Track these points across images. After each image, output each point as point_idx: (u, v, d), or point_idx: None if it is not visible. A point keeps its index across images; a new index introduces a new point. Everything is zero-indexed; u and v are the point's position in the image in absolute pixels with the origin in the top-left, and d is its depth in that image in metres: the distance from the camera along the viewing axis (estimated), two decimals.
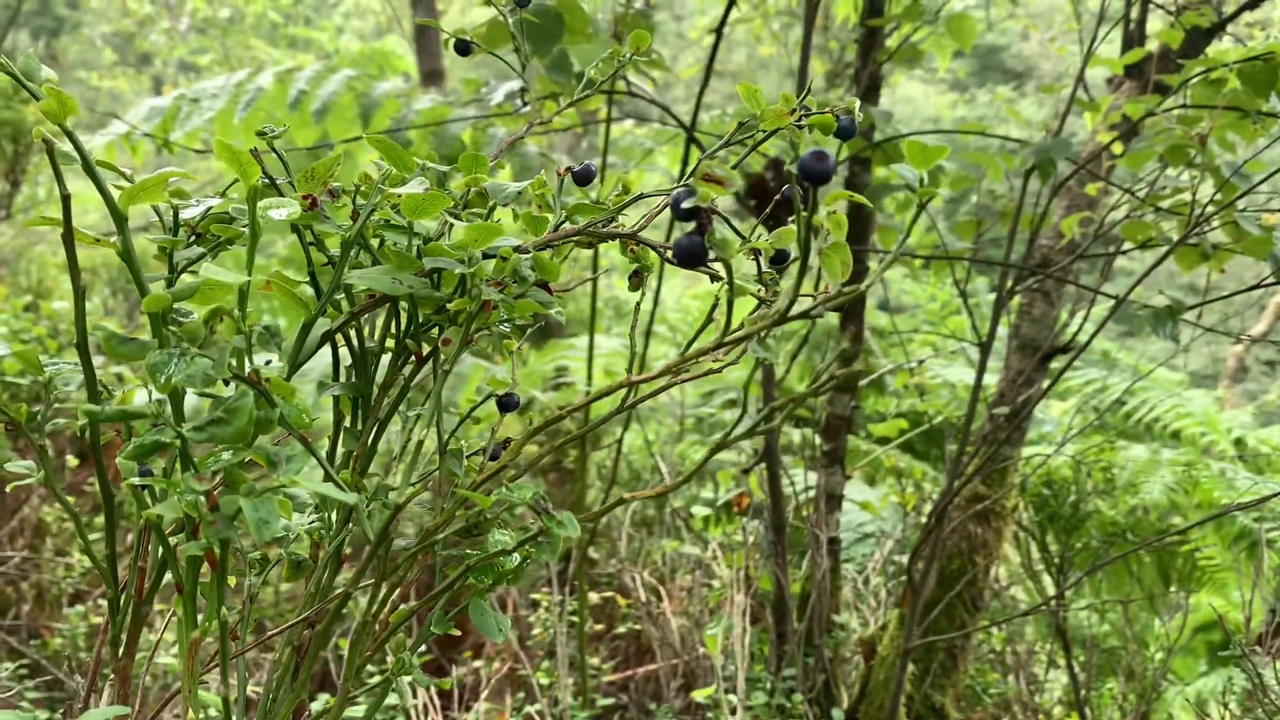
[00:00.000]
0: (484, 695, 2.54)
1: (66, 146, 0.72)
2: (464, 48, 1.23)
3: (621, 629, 3.64)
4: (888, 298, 4.39)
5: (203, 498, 0.66)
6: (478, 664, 3.66)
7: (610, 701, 3.19)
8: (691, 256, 0.63)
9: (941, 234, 2.75)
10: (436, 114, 2.61)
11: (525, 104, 2.52)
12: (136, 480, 0.67)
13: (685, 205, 0.64)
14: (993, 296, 2.65)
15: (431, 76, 5.87)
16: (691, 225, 0.71)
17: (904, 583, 2.83)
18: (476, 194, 1.10)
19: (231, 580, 0.84)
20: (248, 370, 0.69)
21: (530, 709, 2.86)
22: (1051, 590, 3.31)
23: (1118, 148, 2.73)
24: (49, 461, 0.70)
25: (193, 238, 0.92)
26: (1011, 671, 3.43)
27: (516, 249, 0.85)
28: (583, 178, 0.94)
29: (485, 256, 0.83)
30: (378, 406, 0.91)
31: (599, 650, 3.90)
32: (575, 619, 3.45)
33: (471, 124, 2.60)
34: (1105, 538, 3.31)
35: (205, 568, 0.77)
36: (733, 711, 2.62)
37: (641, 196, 0.95)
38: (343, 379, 0.93)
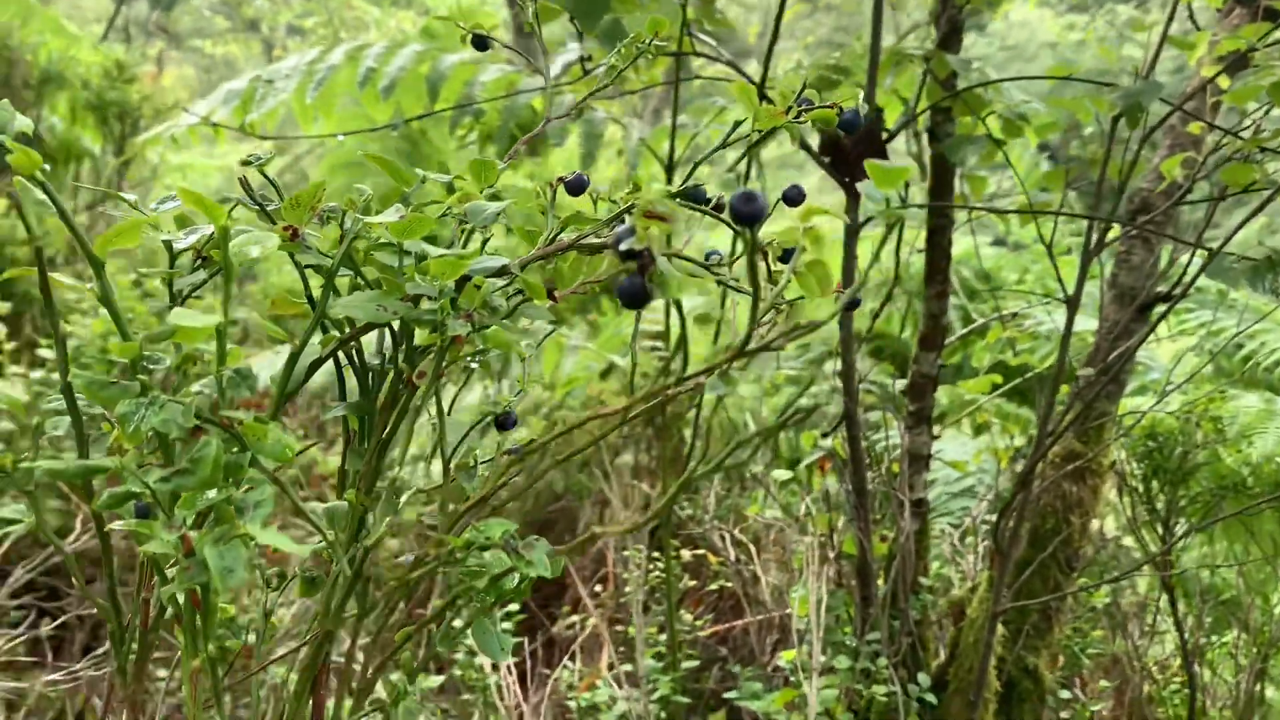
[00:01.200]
0: (567, 659, 2.59)
1: (39, 195, 0.73)
2: (481, 44, 1.21)
3: (713, 585, 3.66)
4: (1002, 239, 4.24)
5: (178, 542, 0.68)
6: (574, 619, 3.73)
7: (696, 665, 3.21)
8: (633, 298, 0.61)
9: (1023, 183, 2.64)
10: (504, 84, 2.60)
11: (587, 72, 2.50)
12: (116, 526, 0.69)
13: (624, 247, 0.62)
14: (1093, 240, 2.54)
15: (522, 30, 5.88)
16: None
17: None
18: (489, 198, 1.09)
19: (246, 600, 0.86)
20: (221, 413, 0.70)
21: (622, 669, 2.90)
22: (1156, 546, 3.20)
23: (1224, 82, 2.57)
24: (40, 505, 0.73)
25: (199, 262, 0.94)
26: (1115, 630, 3.34)
27: (501, 270, 0.84)
28: (575, 188, 0.92)
29: (463, 281, 0.82)
30: (381, 425, 0.91)
31: (695, 606, 3.93)
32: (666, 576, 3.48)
33: (539, 93, 2.59)
34: (1219, 488, 3.17)
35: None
36: (821, 672, 2.61)
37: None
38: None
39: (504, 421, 0.92)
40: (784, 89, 0.89)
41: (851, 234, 2.58)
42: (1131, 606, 3.49)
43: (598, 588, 4.05)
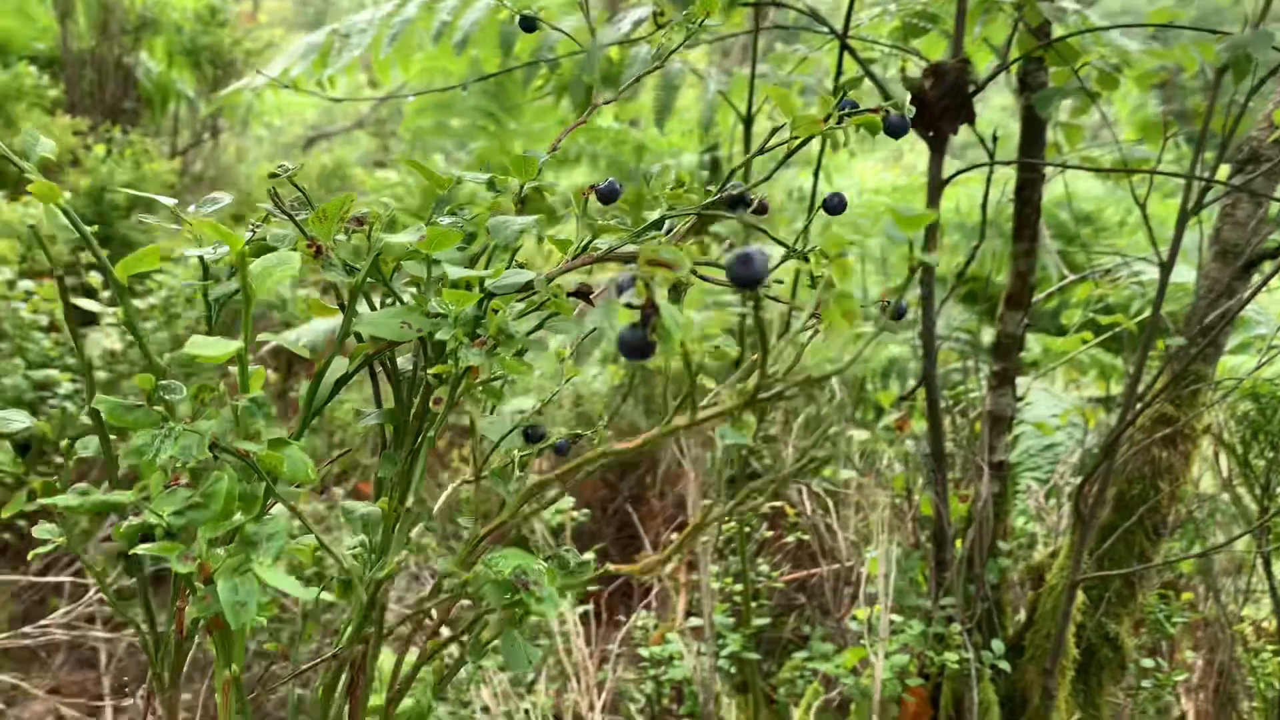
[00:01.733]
0: (642, 608, 2.61)
1: (63, 220, 0.73)
2: (529, 25, 1.19)
3: (790, 538, 3.65)
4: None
5: (196, 570, 0.69)
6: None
7: (774, 613, 3.22)
8: (634, 351, 0.59)
9: (1118, 139, 2.51)
10: (578, 37, 2.55)
11: (660, 26, 2.44)
12: (141, 550, 0.70)
13: (625, 299, 0.59)
14: (1190, 200, 2.41)
15: None
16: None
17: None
18: (532, 191, 1.07)
19: (271, 611, 0.87)
20: (236, 444, 0.70)
21: (688, 624, 2.92)
22: (1253, 506, 3.07)
23: None
24: (70, 524, 0.74)
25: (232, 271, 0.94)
26: (1207, 593, 3.24)
27: (525, 286, 0.82)
28: (607, 196, 0.90)
29: (487, 299, 0.81)
30: (414, 432, 0.91)
31: (774, 555, 3.93)
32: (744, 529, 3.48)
33: (615, 44, 2.54)
34: None
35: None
36: (892, 632, 2.60)
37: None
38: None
39: (532, 434, 0.91)
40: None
41: (934, 190, 2.50)
42: (1226, 567, 3.37)
43: (673, 536, 4.07)
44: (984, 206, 2.68)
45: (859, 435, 2.78)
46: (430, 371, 0.75)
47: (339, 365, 0.84)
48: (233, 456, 0.70)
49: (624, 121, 6.20)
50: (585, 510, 3.57)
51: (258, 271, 0.76)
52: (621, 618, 3.59)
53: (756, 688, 3.27)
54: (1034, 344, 5.22)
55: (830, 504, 3.49)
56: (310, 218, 0.84)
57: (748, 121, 2.75)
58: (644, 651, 2.94)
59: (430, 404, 0.80)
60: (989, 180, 2.66)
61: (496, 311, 0.75)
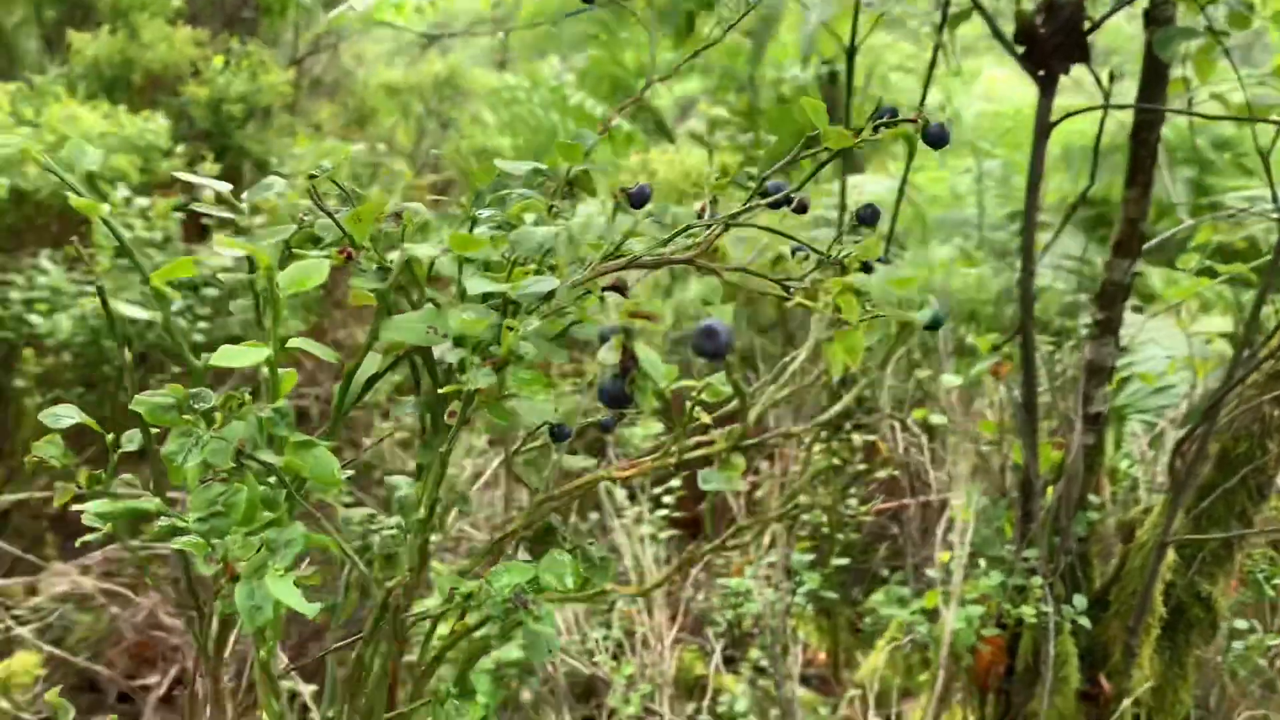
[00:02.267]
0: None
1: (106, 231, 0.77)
2: None
3: (881, 474, 3.63)
4: None
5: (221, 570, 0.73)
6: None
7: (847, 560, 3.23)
8: (614, 400, 0.60)
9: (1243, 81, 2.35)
10: None
11: None
12: (173, 545, 0.74)
13: (604, 354, 0.60)
14: None
15: None
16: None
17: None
18: (579, 174, 1.07)
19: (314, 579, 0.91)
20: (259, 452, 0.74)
21: (767, 559, 2.94)
22: None
23: None
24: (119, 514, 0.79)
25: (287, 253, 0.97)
26: None
27: (547, 295, 0.83)
28: (638, 200, 0.89)
29: (509, 304, 0.81)
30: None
31: (866, 487, 3.92)
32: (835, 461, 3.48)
33: None
34: None
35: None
36: (970, 580, 2.58)
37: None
38: None
39: (558, 433, 0.92)
40: None
41: (1041, 134, 2.39)
42: None
43: (763, 464, 4.08)
44: (1096, 150, 2.56)
45: (951, 380, 2.72)
46: (440, 391, 0.76)
47: (370, 363, 0.86)
48: (256, 464, 0.74)
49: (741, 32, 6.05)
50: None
51: (287, 280, 0.78)
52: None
53: (839, 615, 3.31)
54: (1153, 276, 5.00)
55: (924, 442, 3.46)
56: (347, 217, 0.86)
57: (850, 53, 2.66)
58: (723, 582, 2.98)
59: (447, 418, 0.81)
60: (1102, 123, 2.53)
61: (512, 329, 0.76)
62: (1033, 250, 2.47)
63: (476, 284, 0.79)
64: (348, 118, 5.65)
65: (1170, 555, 2.60)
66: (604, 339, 0.61)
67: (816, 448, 3.88)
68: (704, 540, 1.03)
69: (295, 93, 4.91)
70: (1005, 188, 5.09)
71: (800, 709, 2.32)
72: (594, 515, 3.55)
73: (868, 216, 0.87)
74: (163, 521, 0.72)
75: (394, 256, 0.82)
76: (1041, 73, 2.40)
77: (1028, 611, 2.40)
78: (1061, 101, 2.46)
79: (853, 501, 3.78)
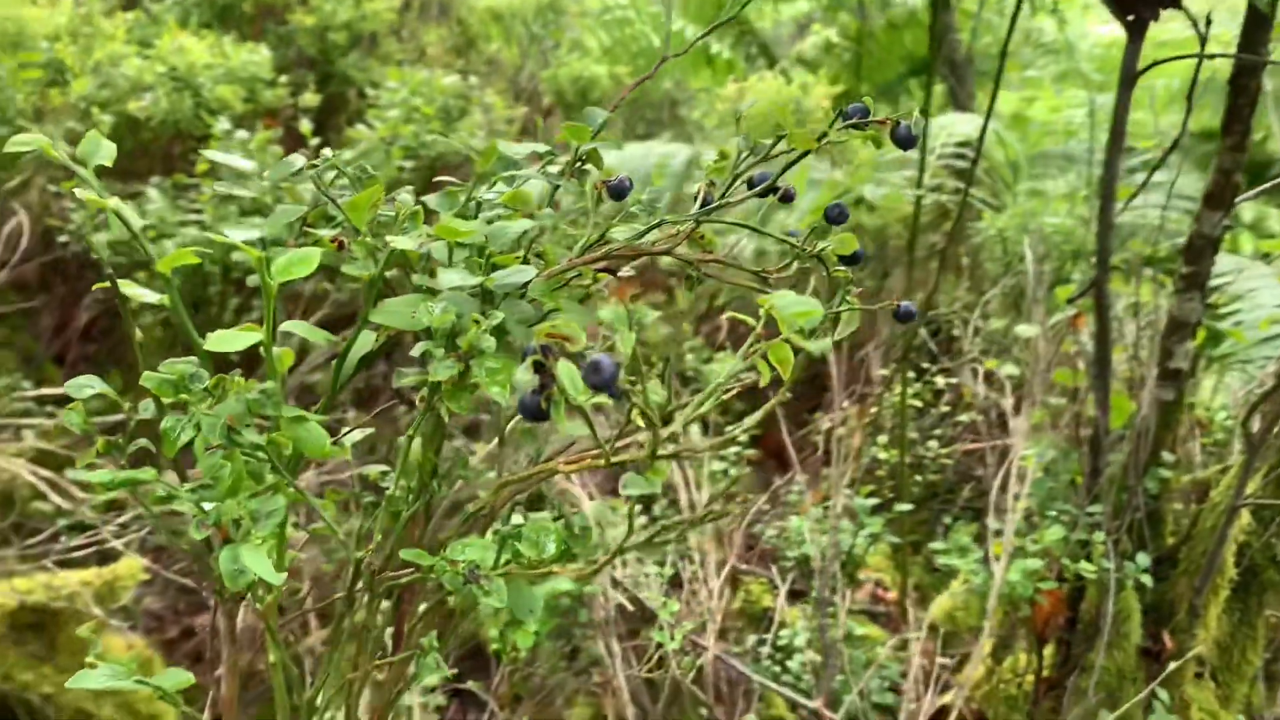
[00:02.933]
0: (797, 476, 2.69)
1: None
2: None
3: (963, 417, 3.61)
4: None
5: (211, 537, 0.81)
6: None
7: (914, 503, 3.23)
8: (530, 414, 0.64)
9: None
10: None
11: None
12: (174, 508, 0.82)
13: (520, 374, 0.64)
14: None
15: None
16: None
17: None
18: (590, 153, 1.11)
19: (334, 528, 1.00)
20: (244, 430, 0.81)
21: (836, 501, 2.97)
22: None
23: None
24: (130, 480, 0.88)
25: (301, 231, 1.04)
26: None
27: (521, 288, 0.88)
28: (617, 192, 0.92)
29: (486, 296, 0.87)
30: None
31: (950, 428, 3.90)
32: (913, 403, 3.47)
33: None
34: None
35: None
36: (1030, 533, 2.58)
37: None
38: None
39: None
40: None
41: (1126, 82, 2.31)
42: None
43: (844, 403, 4.08)
44: (1190, 99, 2.45)
45: (1028, 329, 2.68)
46: (401, 383, 0.82)
47: (363, 343, 0.92)
48: (244, 440, 0.81)
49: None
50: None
51: (279, 267, 0.84)
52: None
53: (912, 555, 3.32)
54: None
55: (1008, 387, 3.41)
56: (347, 203, 0.92)
57: None
58: (791, 522, 3.03)
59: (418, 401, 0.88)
60: (1197, 71, 2.43)
61: (477, 323, 0.81)
62: (1112, 202, 2.40)
63: (449, 276, 0.84)
64: (453, 42, 5.71)
65: (1245, 517, 2.55)
66: (525, 355, 0.66)
67: (899, 389, 3.87)
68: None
69: (401, 18, 4.98)
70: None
71: (846, 649, 2.37)
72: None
73: (834, 216, 0.89)
74: (157, 493, 0.80)
75: (394, 240, 0.87)
76: (1130, 18, 2.31)
77: (1086, 567, 2.39)
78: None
79: (933, 444, 3.77)
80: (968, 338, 3.41)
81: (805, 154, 0.89)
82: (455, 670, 2.63)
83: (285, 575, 0.78)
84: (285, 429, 0.85)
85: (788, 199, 0.98)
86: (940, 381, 3.71)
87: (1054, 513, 2.57)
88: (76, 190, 0.80)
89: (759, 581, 3.49)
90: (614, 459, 0.74)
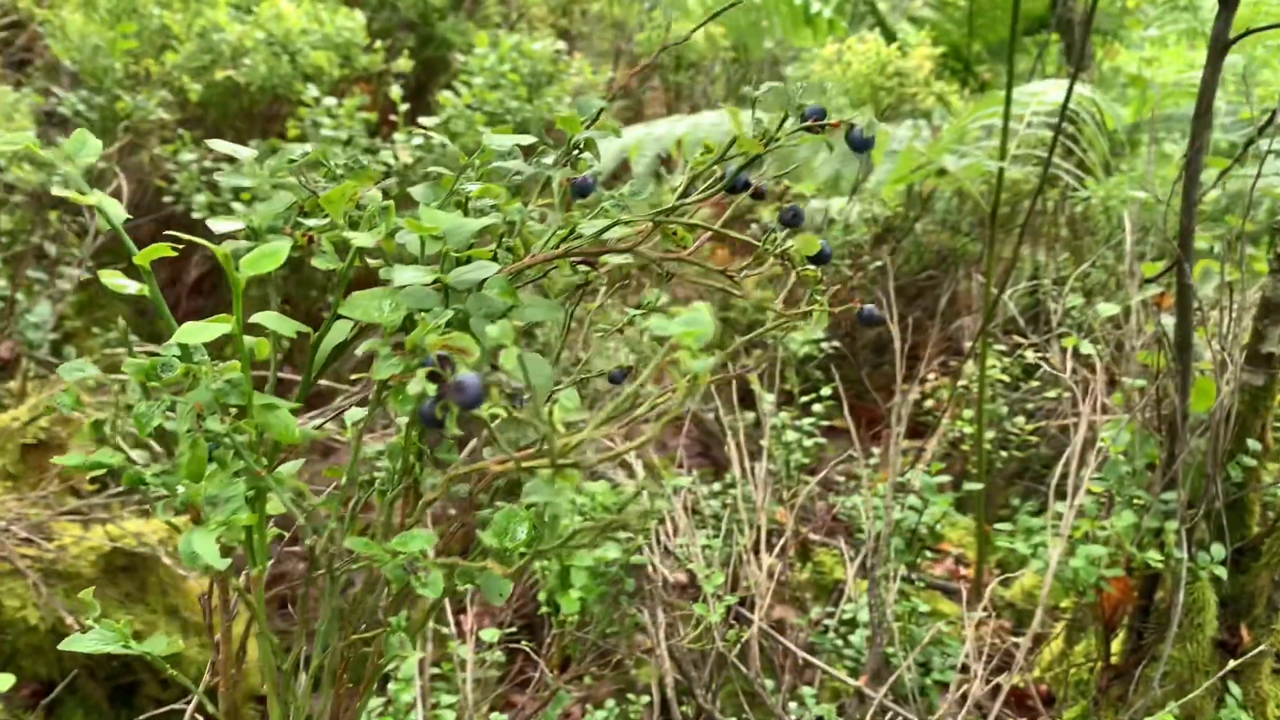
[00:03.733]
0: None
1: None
2: None
3: (1051, 394, 3.50)
4: None
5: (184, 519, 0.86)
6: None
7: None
8: (428, 422, 0.66)
9: None
10: None
11: None
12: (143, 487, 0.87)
13: (413, 386, 0.66)
14: None
15: None
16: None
17: None
18: (587, 141, 1.12)
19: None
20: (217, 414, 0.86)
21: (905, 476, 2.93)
22: None
23: None
24: (125, 454, 0.93)
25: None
26: None
27: (480, 284, 0.90)
28: (582, 190, 0.93)
29: (448, 293, 0.89)
30: None
31: (1036, 408, 3.80)
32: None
33: None
34: None
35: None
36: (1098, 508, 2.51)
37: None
38: None
39: (615, 376, 1.00)
40: None
41: (1216, 52, 2.19)
42: None
43: (930, 375, 4.01)
44: None
45: (1108, 308, 2.58)
46: (357, 377, 0.85)
47: (337, 333, 0.96)
48: (208, 429, 0.86)
49: None
50: (834, 343, 3.61)
51: (248, 261, 0.88)
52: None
53: (981, 528, 3.26)
54: None
55: (1098, 366, 3.29)
56: (324, 197, 0.96)
57: None
58: (857, 497, 3.00)
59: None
60: None
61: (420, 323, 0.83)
62: (1197, 178, 2.29)
63: (406, 274, 0.86)
64: (557, 1, 5.73)
65: None
66: (427, 363, 0.68)
67: (991, 361, 3.78)
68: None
69: None
70: (1244, 85, 4.62)
71: (908, 626, 2.35)
72: (750, 414, 3.62)
73: (789, 219, 0.88)
74: (127, 475, 0.86)
75: (352, 236, 0.90)
76: None
77: (1154, 556, 2.32)
78: None
79: (1020, 420, 3.68)
80: (1056, 312, 3.31)
81: (749, 152, 0.88)
82: (514, 629, 2.69)
83: (269, 557, 0.82)
84: (256, 416, 0.89)
85: (759, 196, 0.98)
86: (1030, 356, 3.61)
87: (1122, 500, 2.49)
88: (54, 189, 0.85)
89: (831, 552, 3.47)
90: (524, 464, 0.76)
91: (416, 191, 1.05)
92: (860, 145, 0.84)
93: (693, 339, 0.63)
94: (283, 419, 0.90)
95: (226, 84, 3.51)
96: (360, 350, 0.83)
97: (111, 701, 2.68)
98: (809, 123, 0.86)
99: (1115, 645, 2.69)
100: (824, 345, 3.52)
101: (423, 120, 3.27)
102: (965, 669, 2.52)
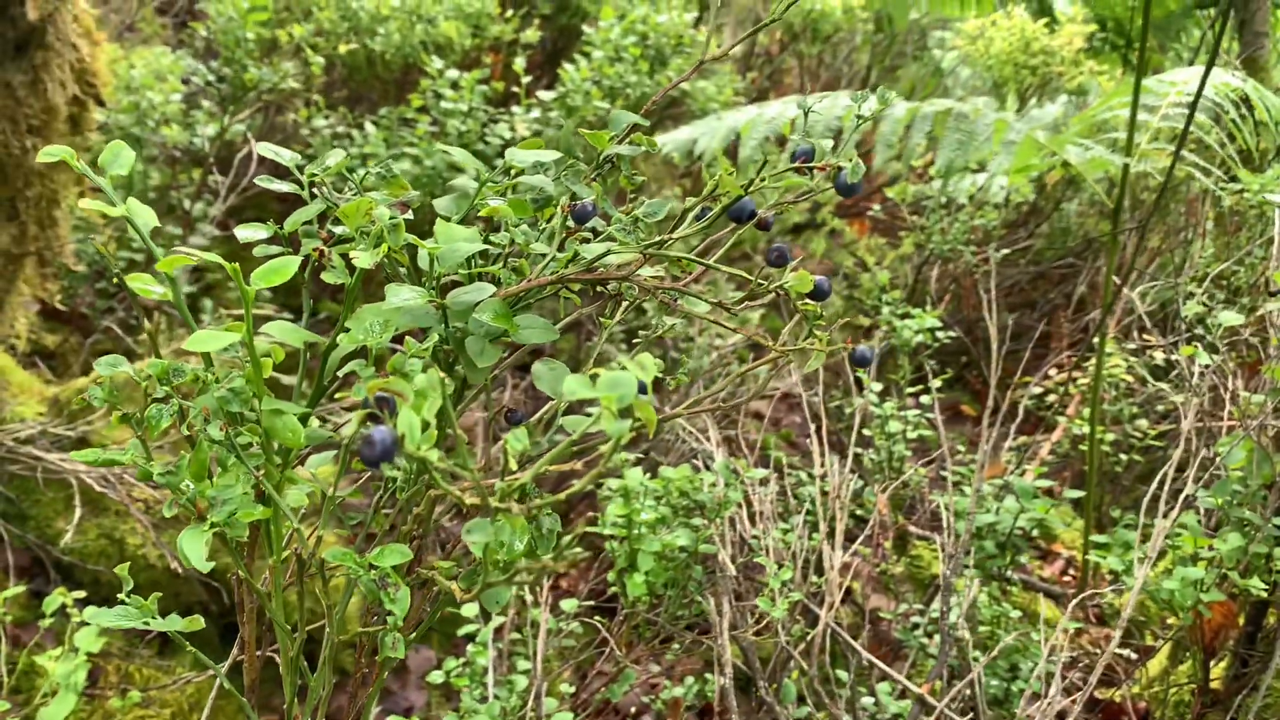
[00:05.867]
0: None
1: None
2: None
3: (1178, 398, 3.33)
4: None
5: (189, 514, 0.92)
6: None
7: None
8: (366, 461, 0.69)
9: None
10: None
11: None
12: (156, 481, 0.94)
13: (349, 428, 0.69)
14: None
15: None
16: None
17: None
18: (617, 157, 1.13)
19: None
20: (220, 421, 0.91)
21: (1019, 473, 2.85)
22: None
23: None
24: (149, 448, 1.00)
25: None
26: None
27: (474, 305, 0.92)
28: (581, 217, 0.94)
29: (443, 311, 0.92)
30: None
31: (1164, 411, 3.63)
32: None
33: None
34: None
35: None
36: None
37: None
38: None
39: (512, 417, 1.02)
40: None
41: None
42: None
43: (1053, 371, 3.85)
44: None
45: (1232, 318, 2.44)
46: (339, 395, 0.89)
47: (347, 344, 1.00)
48: (216, 430, 0.91)
49: None
50: (951, 332, 3.51)
51: (258, 274, 0.93)
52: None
53: (1089, 535, 3.14)
54: None
55: (1230, 370, 3.11)
56: (341, 210, 0.99)
57: None
58: (946, 498, 2.92)
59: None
60: None
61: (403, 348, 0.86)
62: None
63: (402, 293, 0.89)
64: None
65: None
66: (366, 404, 0.70)
67: (1115, 360, 3.62)
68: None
69: None
70: None
71: (997, 631, 2.31)
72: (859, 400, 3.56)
73: (774, 259, 0.87)
74: (141, 471, 0.92)
75: (355, 256, 0.94)
76: None
77: (1255, 584, 2.20)
78: None
79: (1142, 422, 3.51)
80: (1184, 316, 3.14)
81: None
82: (592, 603, 2.75)
83: (286, 552, 0.87)
84: (264, 421, 0.94)
85: (764, 226, 0.96)
86: (1159, 357, 3.44)
87: (1236, 519, 2.36)
88: (82, 202, 0.90)
89: (930, 547, 3.41)
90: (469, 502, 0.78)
91: (440, 204, 1.08)
92: (846, 190, 0.82)
93: (613, 402, 0.64)
94: (288, 423, 0.95)
95: (364, 51, 3.62)
96: (342, 371, 0.87)
97: (222, 639, 2.86)
98: (797, 164, 0.85)
99: (1217, 670, 2.57)
100: (939, 335, 3.43)
101: (540, 94, 3.30)
102: (1052, 679, 2.45)
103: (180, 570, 2.51)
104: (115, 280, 2.94)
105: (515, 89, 3.49)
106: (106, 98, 2.84)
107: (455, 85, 3.30)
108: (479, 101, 3.19)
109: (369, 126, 3.24)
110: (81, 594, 2.10)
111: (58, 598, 1.93)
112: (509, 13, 3.97)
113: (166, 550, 2.32)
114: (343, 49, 3.50)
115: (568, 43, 4.50)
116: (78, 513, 2.30)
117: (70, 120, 2.71)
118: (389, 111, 3.49)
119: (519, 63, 3.40)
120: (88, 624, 1.80)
